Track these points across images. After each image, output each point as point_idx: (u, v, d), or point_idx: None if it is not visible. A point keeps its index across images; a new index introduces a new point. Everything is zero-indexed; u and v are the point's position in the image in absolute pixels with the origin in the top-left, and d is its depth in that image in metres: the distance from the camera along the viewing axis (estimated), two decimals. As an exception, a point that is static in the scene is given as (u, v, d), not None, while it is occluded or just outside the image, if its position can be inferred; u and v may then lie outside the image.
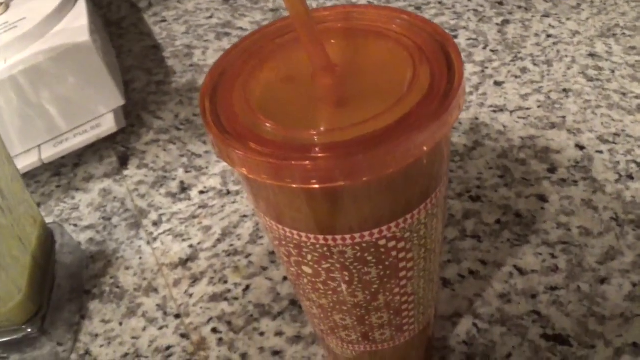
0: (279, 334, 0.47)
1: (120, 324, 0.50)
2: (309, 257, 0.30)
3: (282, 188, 0.26)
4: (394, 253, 0.30)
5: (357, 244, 0.28)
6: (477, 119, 0.62)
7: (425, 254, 0.32)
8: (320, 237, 0.28)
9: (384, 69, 0.29)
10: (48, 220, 0.59)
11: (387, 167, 0.25)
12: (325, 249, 0.29)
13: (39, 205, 0.61)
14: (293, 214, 0.28)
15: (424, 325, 0.38)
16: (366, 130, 0.25)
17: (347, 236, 0.28)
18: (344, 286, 0.31)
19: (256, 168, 0.25)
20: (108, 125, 0.62)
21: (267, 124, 0.26)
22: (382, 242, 0.29)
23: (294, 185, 0.25)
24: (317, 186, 0.25)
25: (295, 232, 0.29)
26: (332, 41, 0.31)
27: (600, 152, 0.56)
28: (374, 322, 0.34)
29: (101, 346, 0.49)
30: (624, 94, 0.62)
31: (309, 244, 0.29)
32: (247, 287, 0.50)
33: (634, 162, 0.55)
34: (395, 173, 0.25)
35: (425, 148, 0.25)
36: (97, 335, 0.49)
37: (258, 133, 0.26)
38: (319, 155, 0.24)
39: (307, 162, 0.24)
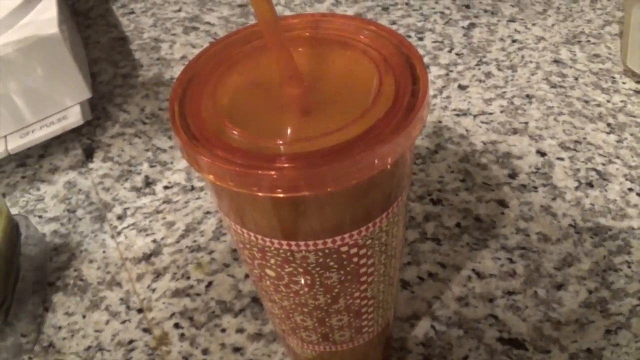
0: (240, 330, 0.48)
1: (84, 316, 0.50)
2: (272, 260, 0.31)
3: (247, 195, 0.27)
4: (355, 259, 0.30)
5: (320, 250, 0.29)
6: (440, 122, 0.62)
7: (386, 259, 0.33)
8: (284, 242, 0.29)
9: (350, 79, 0.30)
10: (13, 211, 0.59)
11: (351, 178, 0.25)
12: (289, 253, 0.30)
13: (3, 195, 0.61)
14: (257, 219, 0.29)
15: (383, 326, 0.39)
16: (332, 141, 0.25)
17: (310, 242, 0.29)
18: (305, 289, 0.32)
19: (223, 175, 0.26)
20: (74, 117, 0.62)
21: (234, 132, 0.27)
22: (344, 248, 0.29)
23: (260, 194, 0.25)
24: (282, 195, 0.25)
25: (259, 236, 0.29)
26: (300, 49, 0.31)
27: (561, 159, 0.57)
28: (334, 324, 0.35)
29: (64, 338, 0.49)
30: (586, 102, 0.63)
31: (272, 248, 0.30)
32: (210, 284, 0.51)
33: (594, 169, 0.56)
34: (359, 184, 0.26)
35: (389, 160, 0.26)
36: (60, 328, 0.50)
37: (225, 140, 0.27)
38: (285, 165, 0.25)
39: (273, 172, 0.25)
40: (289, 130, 0.28)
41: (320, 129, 0.26)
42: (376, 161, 0.25)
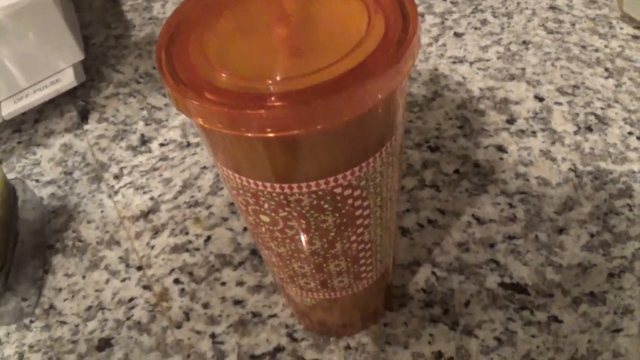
0: (240, 283, 0.47)
1: (84, 277, 0.50)
2: (266, 205, 0.30)
3: (238, 137, 0.26)
4: (349, 201, 0.30)
5: (313, 192, 0.29)
6: (436, 69, 0.62)
7: (382, 202, 0.32)
8: (277, 185, 0.28)
9: (339, 19, 0.29)
10: (10, 176, 0.59)
11: (342, 115, 0.25)
12: (282, 197, 0.29)
13: (0, 162, 0.61)
14: (249, 163, 0.28)
15: (381, 272, 0.38)
16: (321, 79, 0.25)
17: (303, 184, 0.28)
18: (301, 234, 0.32)
19: (211, 117, 0.25)
20: (68, 80, 0.61)
21: (223, 74, 0.26)
22: (338, 190, 0.29)
23: (249, 134, 0.25)
24: (272, 135, 0.25)
25: (251, 180, 0.29)
26: (288, -9, 0.31)
27: (559, 103, 0.57)
28: (332, 270, 0.35)
29: (65, 300, 0.49)
30: (583, 47, 0.63)
31: (265, 192, 0.29)
32: (208, 238, 0.51)
33: (593, 114, 0.55)
34: (350, 121, 0.25)
35: (379, 96, 0.25)
36: (60, 289, 0.50)
37: (214, 83, 0.26)
38: (274, 104, 0.24)
39: (262, 111, 0.24)
40: (277, 71, 0.27)
41: (308, 67, 0.26)
42: (367, 97, 0.25)
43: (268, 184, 0.29)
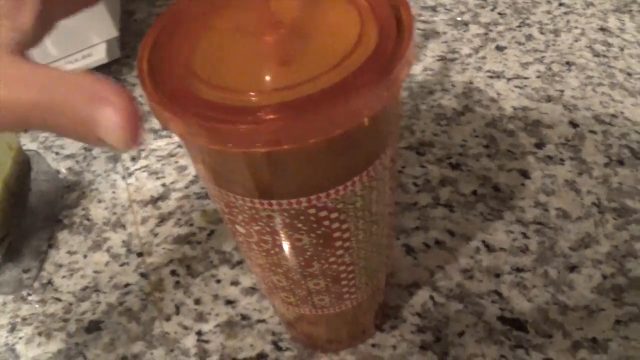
0: (235, 283, 0.47)
1: (85, 256, 0.50)
2: (240, 217, 0.29)
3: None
4: (326, 222, 0.29)
5: (285, 210, 0.27)
6: (471, 83, 0.60)
7: (365, 225, 0.31)
8: (247, 199, 0.27)
9: (332, 28, 0.28)
10: (32, 146, 0.59)
11: (310, 136, 0.23)
12: (253, 211, 0.28)
13: (25, 130, 0.61)
14: (218, 173, 0.27)
15: (368, 294, 0.37)
16: (297, 94, 0.23)
17: (274, 201, 0.27)
18: (276, 249, 0.31)
19: (176, 125, 0.24)
20: (99, 55, 0.61)
21: (202, 82, 0.25)
22: (312, 210, 0.28)
23: (213, 147, 0.24)
24: (234, 150, 0.23)
25: (223, 190, 0.28)
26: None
27: (594, 132, 0.55)
28: (310, 288, 0.34)
29: (63, 277, 0.49)
30: (629, 74, 0.60)
31: (237, 204, 0.28)
32: (212, 232, 0.50)
33: (627, 147, 0.53)
34: (320, 143, 0.24)
35: (364, 118, 0.24)
36: (61, 266, 0.50)
37: (191, 89, 0.25)
38: (241, 119, 0.23)
39: (227, 125, 0.23)
40: (260, 82, 0.26)
41: (291, 80, 0.24)
42: (345, 117, 0.23)
43: (239, 197, 0.28)
